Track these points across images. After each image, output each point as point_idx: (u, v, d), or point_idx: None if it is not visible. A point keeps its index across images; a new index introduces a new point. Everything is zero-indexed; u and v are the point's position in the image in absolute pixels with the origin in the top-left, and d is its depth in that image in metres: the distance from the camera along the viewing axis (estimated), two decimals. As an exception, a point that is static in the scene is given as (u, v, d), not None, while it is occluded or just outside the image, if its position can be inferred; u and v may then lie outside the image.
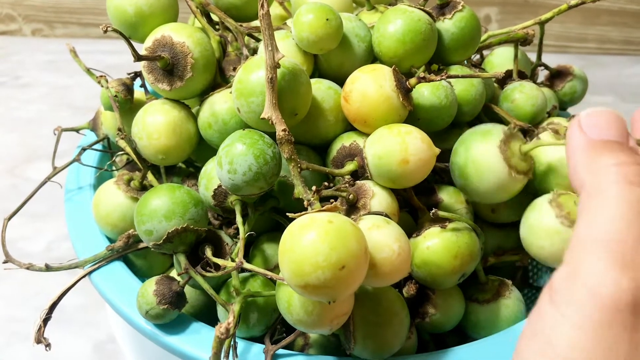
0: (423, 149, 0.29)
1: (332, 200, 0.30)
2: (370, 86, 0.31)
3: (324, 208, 0.25)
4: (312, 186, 0.28)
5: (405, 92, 0.31)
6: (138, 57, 0.30)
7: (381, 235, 0.26)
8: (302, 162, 0.28)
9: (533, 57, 0.44)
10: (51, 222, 0.57)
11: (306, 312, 0.26)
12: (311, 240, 0.23)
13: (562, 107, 0.44)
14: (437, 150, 0.30)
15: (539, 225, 0.29)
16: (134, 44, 0.32)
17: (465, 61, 0.38)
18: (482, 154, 0.29)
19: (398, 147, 0.29)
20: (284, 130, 0.27)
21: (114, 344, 0.47)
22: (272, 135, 0.30)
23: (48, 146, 0.69)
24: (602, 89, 0.75)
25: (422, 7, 0.34)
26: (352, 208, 0.30)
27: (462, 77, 0.33)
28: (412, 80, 0.31)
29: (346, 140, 0.32)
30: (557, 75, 0.44)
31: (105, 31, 0.27)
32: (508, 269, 0.38)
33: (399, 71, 0.31)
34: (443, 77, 0.30)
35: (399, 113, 0.31)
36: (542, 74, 0.45)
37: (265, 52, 0.27)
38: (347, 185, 0.30)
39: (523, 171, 0.30)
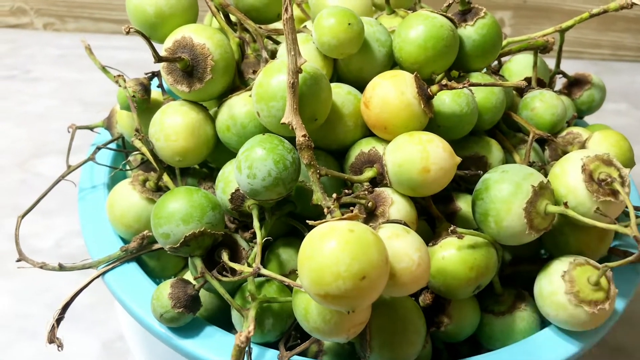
0: (444, 157, 0.29)
1: (351, 208, 0.29)
2: (391, 92, 0.31)
3: (344, 217, 0.25)
4: (330, 192, 0.27)
5: (427, 99, 0.31)
6: (159, 59, 0.30)
7: (401, 244, 0.26)
8: (321, 168, 0.28)
9: (548, 62, 0.43)
10: (61, 218, 0.57)
11: (324, 320, 0.26)
12: (332, 249, 0.23)
13: (579, 115, 0.44)
14: (458, 160, 0.29)
15: (548, 295, 0.31)
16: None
17: (485, 68, 0.38)
18: (506, 211, 0.29)
19: (419, 155, 0.29)
20: (304, 135, 0.27)
21: (123, 343, 0.47)
22: (292, 139, 0.30)
23: (58, 141, 0.69)
24: (615, 95, 0.74)
25: (444, 13, 0.34)
26: (371, 215, 0.30)
27: (485, 85, 0.32)
28: (434, 88, 0.31)
29: (365, 146, 0.32)
30: (575, 84, 0.44)
31: (128, 32, 0.27)
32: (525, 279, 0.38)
33: (421, 78, 0.31)
34: (465, 85, 0.30)
35: (419, 120, 0.31)
36: (559, 82, 0.45)
37: (287, 56, 0.27)
38: (366, 192, 0.29)
39: (543, 229, 0.30)
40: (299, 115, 0.27)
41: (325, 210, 0.26)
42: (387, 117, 0.31)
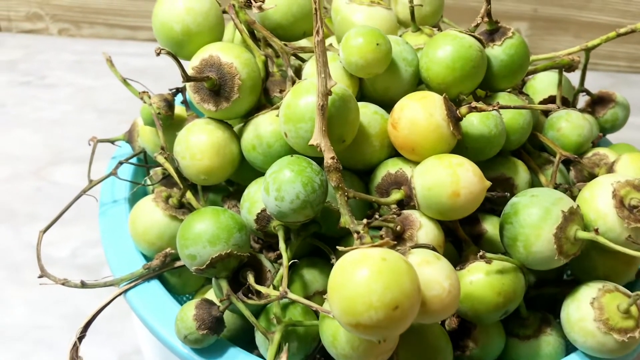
0: (474, 182, 0.29)
1: (381, 234, 0.29)
2: (420, 114, 0.30)
3: (376, 244, 0.25)
4: (356, 212, 0.27)
5: (456, 121, 0.30)
6: (187, 78, 0.29)
7: (432, 271, 0.26)
8: (349, 191, 0.27)
9: (570, 77, 0.43)
10: (77, 228, 0.57)
11: (352, 347, 0.26)
12: (364, 279, 0.23)
13: (602, 133, 0.44)
14: (488, 184, 0.29)
15: (576, 322, 0.30)
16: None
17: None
18: (535, 236, 0.29)
19: (449, 179, 0.29)
20: (332, 158, 0.27)
21: (139, 356, 0.47)
22: (319, 161, 0.30)
23: (74, 148, 0.69)
24: (632, 108, 0.74)
25: (472, 33, 0.33)
26: (398, 239, 0.30)
27: (515, 107, 0.32)
28: (463, 110, 0.30)
29: (391, 167, 0.32)
30: (599, 102, 0.43)
31: (159, 54, 0.27)
32: (548, 300, 0.38)
33: (450, 102, 0.31)
34: (495, 108, 0.30)
35: (448, 142, 0.30)
36: (582, 99, 0.44)
37: (317, 78, 0.27)
38: (394, 216, 0.29)
39: (572, 254, 0.29)
40: (327, 137, 0.27)
41: (355, 235, 0.26)
42: (416, 138, 0.30)
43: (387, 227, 0.29)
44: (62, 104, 0.76)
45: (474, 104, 0.30)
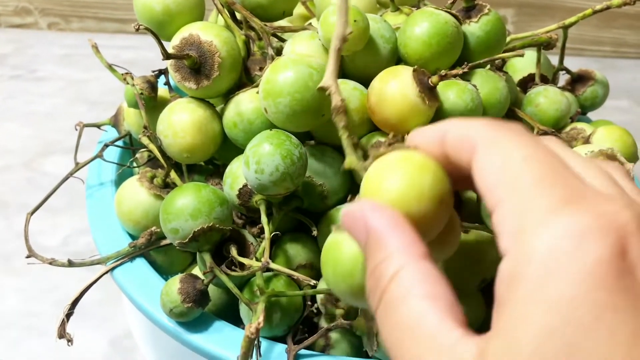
0: None
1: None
2: (393, 92, 0.31)
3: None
4: (339, 189, 0.27)
5: (430, 91, 0.31)
6: (167, 56, 0.30)
7: None
8: (354, 137, 0.27)
9: (551, 59, 0.44)
10: (68, 216, 0.58)
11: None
12: (412, 171, 0.21)
13: (583, 111, 0.44)
14: None
15: None
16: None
17: (488, 65, 0.38)
18: None
19: None
20: (342, 100, 0.27)
21: (131, 340, 0.47)
22: (298, 135, 0.30)
23: (64, 140, 0.70)
24: (617, 93, 0.74)
25: (448, 10, 0.34)
26: None
27: (484, 62, 0.33)
28: (434, 79, 0.31)
29: (371, 140, 0.32)
30: (579, 80, 0.44)
31: (137, 29, 0.27)
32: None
33: (420, 70, 0.31)
34: (464, 69, 0.30)
35: (426, 115, 0.31)
36: (563, 78, 0.45)
37: (337, 22, 0.27)
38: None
39: None
40: (337, 81, 0.27)
41: (383, 147, 0.23)
42: (393, 116, 0.31)
43: None
44: (52, 97, 0.76)
45: (444, 72, 0.30)
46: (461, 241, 0.30)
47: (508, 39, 0.40)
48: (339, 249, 0.23)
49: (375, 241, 0.19)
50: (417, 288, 0.17)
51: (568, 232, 0.16)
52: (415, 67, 0.31)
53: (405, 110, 0.31)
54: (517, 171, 0.17)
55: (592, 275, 0.15)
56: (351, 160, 0.25)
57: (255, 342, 0.28)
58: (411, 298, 0.17)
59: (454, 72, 0.30)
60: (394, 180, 0.21)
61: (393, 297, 0.18)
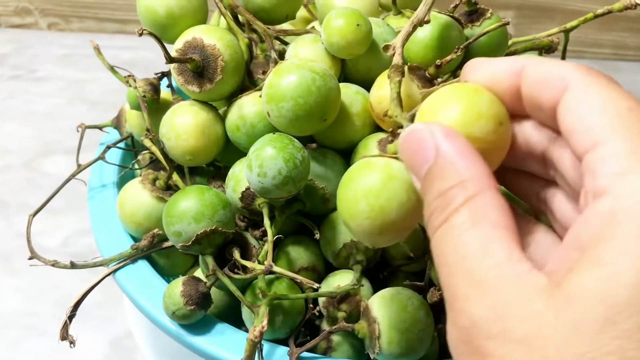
0: None
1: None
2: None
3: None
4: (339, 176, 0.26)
5: (430, 84, 0.31)
6: (170, 59, 0.30)
7: None
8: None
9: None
10: (68, 217, 0.58)
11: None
12: (471, 93, 0.21)
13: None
14: None
15: None
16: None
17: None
18: None
19: None
20: (402, 63, 0.26)
21: (131, 340, 0.47)
22: (301, 139, 0.30)
23: (64, 140, 0.70)
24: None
25: (451, 14, 0.34)
26: None
27: (479, 36, 0.33)
28: (431, 70, 0.31)
29: (373, 140, 0.32)
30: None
31: (141, 34, 0.27)
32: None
33: (414, 66, 0.31)
34: (456, 52, 0.30)
35: None
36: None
37: (421, 6, 0.27)
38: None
39: None
40: (403, 46, 0.27)
41: (397, 129, 0.24)
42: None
43: None
44: (52, 97, 0.76)
45: (439, 61, 0.30)
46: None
47: (510, 42, 0.40)
48: (377, 181, 0.22)
49: (446, 166, 0.18)
50: (490, 216, 0.17)
51: None
52: (408, 64, 0.31)
53: (412, 108, 0.30)
54: (623, 118, 0.18)
55: None
56: (395, 110, 0.25)
57: (258, 345, 0.28)
58: (482, 225, 0.17)
59: (448, 58, 0.30)
60: (451, 105, 0.21)
61: (460, 222, 0.18)
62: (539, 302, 0.16)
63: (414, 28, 0.27)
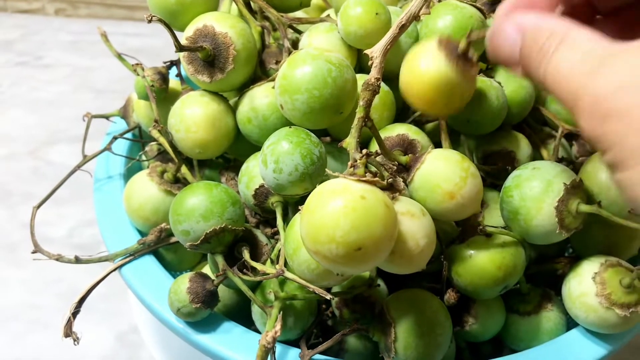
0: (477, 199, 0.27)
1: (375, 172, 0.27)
2: (429, 73, 0.27)
3: (365, 179, 0.23)
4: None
5: (464, 59, 0.27)
6: (180, 48, 0.29)
7: (412, 225, 0.24)
8: (370, 120, 0.25)
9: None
10: (73, 208, 0.56)
11: (308, 268, 0.26)
12: (335, 211, 0.21)
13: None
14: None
15: (577, 297, 0.30)
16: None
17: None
18: (536, 210, 0.28)
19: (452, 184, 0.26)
20: (377, 79, 0.25)
21: (137, 335, 0.46)
22: (315, 133, 0.29)
23: (70, 128, 0.68)
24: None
25: (473, 3, 0.33)
26: (392, 188, 0.28)
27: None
28: (462, 44, 0.26)
29: (389, 132, 0.31)
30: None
31: (150, 21, 0.26)
32: (548, 277, 0.37)
33: (446, 40, 0.27)
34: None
35: (461, 88, 0.27)
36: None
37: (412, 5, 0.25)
38: (393, 165, 0.27)
39: (574, 228, 0.29)
40: (385, 57, 0.26)
41: (350, 162, 0.24)
42: (427, 95, 0.27)
43: (382, 173, 0.27)
44: (58, 85, 0.75)
45: (470, 33, 0.26)
46: (484, 246, 0.29)
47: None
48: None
49: (537, 29, 0.21)
50: (582, 43, 0.19)
51: None
52: (439, 38, 0.28)
53: (446, 87, 0.27)
54: None
55: None
56: (350, 142, 0.24)
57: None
58: (579, 45, 0.19)
59: (481, 32, 0.26)
60: (315, 215, 0.22)
61: (562, 53, 0.20)
62: None
63: (402, 27, 0.25)
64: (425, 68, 0.27)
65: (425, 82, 0.27)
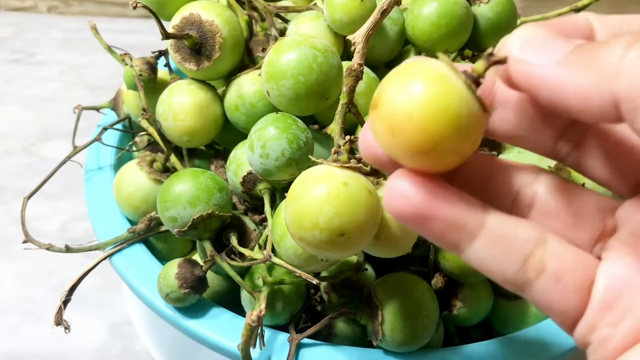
0: None
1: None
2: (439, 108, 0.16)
3: (348, 165, 0.23)
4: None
5: (476, 85, 0.17)
6: (166, 35, 0.29)
7: None
8: (353, 106, 0.26)
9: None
10: (66, 202, 0.57)
11: (295, 253, 0.26)
12: (319, 197, 0.21)
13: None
14: None
15: None
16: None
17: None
18: None
19: None
20: (360, 64, 0.25)
21: (130, 327, 0.47)
22: (304, 120, 0.29)
23: (64, 125, 0.69)
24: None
25: (458, -10, 0.33)
26: (376, 173, 0.28)
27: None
28: (479, 66, 0.17)
29: None
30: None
31: (135, 7, 0.26)
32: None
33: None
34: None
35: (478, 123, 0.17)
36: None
37: None
38: None
39: None
40: (367, 43, 0.25)
41: (334, 148, 0.24)
42: (439, 137, 0.17)
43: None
44: (51, 82, 0.75)
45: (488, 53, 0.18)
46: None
47: (518, 21, 0.39)
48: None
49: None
50: None
51: None
52: (445, 51, 0.27)
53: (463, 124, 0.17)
54: None
55: None
56: (334, 129, 0.25)
57: (259, 330, 0.27)
58: None
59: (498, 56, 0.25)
60: (299, 201, 0.22)
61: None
62: None
63: (384, 13, 0.25)
64: (435, 93, 0.17)
65: (436, 113, 0.17)
